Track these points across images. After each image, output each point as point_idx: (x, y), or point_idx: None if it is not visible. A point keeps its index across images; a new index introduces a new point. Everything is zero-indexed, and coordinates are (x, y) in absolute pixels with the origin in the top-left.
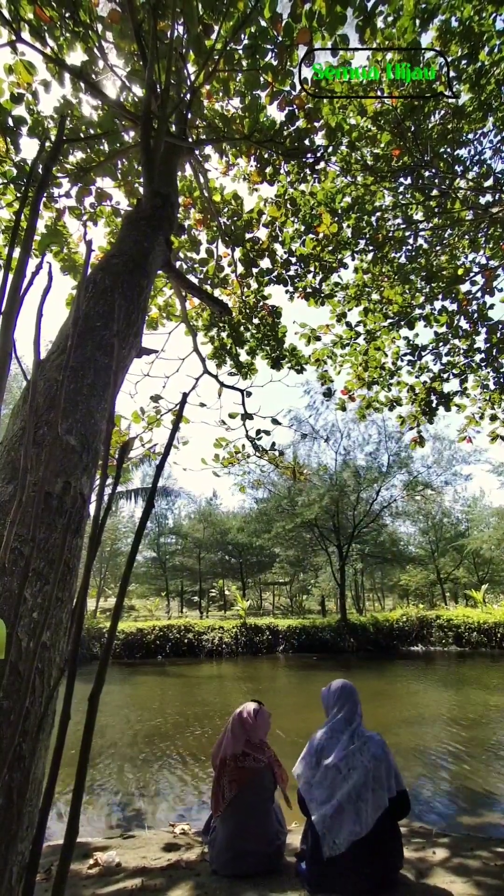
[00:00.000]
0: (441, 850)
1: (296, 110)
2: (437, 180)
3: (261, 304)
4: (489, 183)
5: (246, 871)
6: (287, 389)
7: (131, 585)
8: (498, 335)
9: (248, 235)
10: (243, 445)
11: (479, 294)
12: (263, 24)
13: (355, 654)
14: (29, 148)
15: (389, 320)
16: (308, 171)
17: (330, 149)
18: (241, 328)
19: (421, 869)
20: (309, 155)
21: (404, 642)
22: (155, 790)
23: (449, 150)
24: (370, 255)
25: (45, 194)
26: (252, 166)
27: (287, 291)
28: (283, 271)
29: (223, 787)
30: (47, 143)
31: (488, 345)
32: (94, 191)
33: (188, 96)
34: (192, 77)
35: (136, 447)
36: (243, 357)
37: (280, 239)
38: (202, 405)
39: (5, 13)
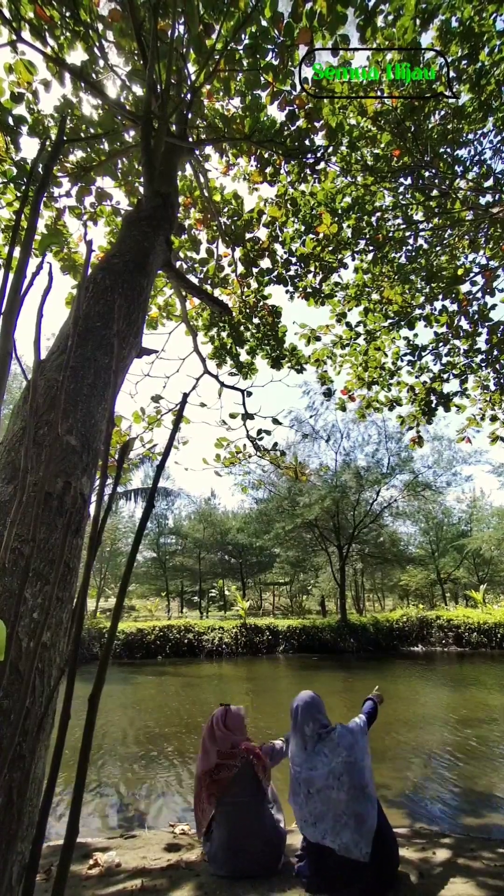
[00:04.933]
0: (442, 850)
1: (296, 110)
2: (437, 180)
3: (261, 303)
4: (489, 183)
5: (245, 868)
6: (287, 390)
7: (131, 586)
8: (498, 336)
9: (248, 235)
10: (244, 445)
11: (479, 294)
12: (264, 23)
13: (355, 655)
14: (29, 147)
15: (389, 320)
16: (308, 171)
17: (330, 149)
18: (242, 328)
19: (422, 870)
20: (309, 155)
21: (404, 642)
22: (155, 790)
23: (449, 150)
24: (370, 256)
25: (45, 194)
26: (252, 166)
27: (287, 291)
28: (284, 271)
29: (203, 802)
30: (48, 143)
31: (489, 345)
32: (95, 190)
33: (189, 96)
34: (193, 77)
35: (136, 447)
36: (243, 357)
37: (280, 239)
38: (202, 405)
39: (6, 12)
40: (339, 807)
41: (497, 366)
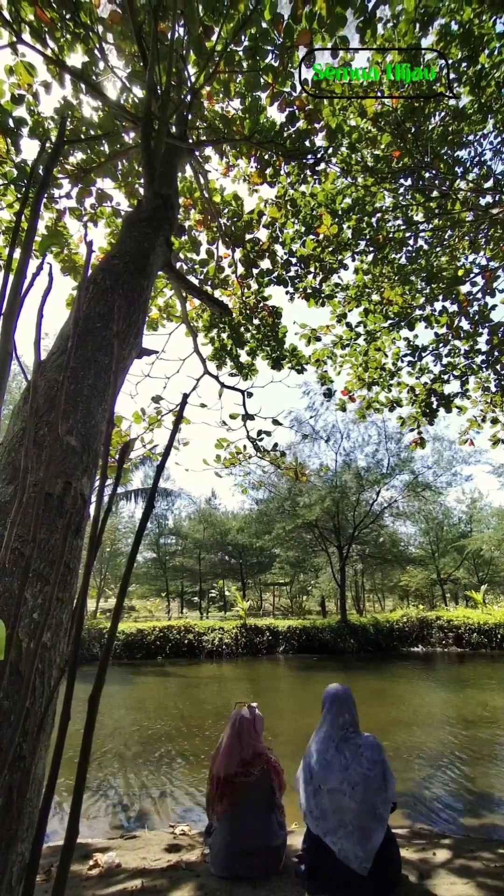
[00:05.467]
0: (442, 851)
1: (296, 111)
2: (437, 181)
3: (261, 304)
4: (489, 184)
5: (245, 871)
6: (287, 390)
7: (131, 586)
8: (499, 336)
9: (248, 236)
10: (244, 446)
11: (479, 295)
12: (264, 25)
13: (355, 655)
14: (30, 149)
15: (390, 321)
16: (308, 172)
17: (330, 150)
18: (242, 329)
19: (422, 870)
20: (309, 156)
21: (405, 643)
22: (155, 791)
23: (449, 151)
24: (370, 256)
25: (45, 195)
26: (252, 167)
27: (287, 292)
28: (284, 272)
29: (216, 801)
30: (48, 145)
31: (489, 346)
32: (95, 192)
33: (189, 97)
34: (193, 78)
35: (136, 448)
36: (244, 358)
37: (280, 240)
38: (203, 406)
39: (6, 14)
40: (347, 815)
41: (498, 367)
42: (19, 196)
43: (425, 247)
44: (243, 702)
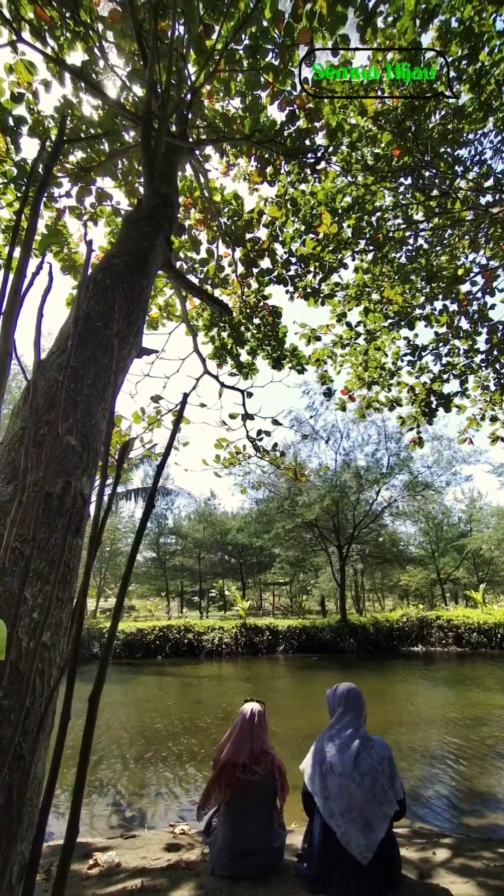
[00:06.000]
0: (442, 850)
1: (296, 110)
2: (437, 180)
3: (261, 304)
4: (489, 183)
5: (246, 871)
6: (287, 390)
7: (131, 585)
8: (498, 336)
9: (248, 235)
10: (244, 446)
11: (479, 294)
12: (264, 23)
13: (355, 655)
14: (29, 147)
15: (389, 320)
16: (308, 171)
17: (330, 149)
18: (242, 328)
19: (423, 869)
20: (309, 155)
21: (404, 643)
22: (155, 790)
23: (449, 150)
24: (370, 255)
25: (45, 194)
26: (252, 166)
27: (287, 291)
28: (284, 271)
29: (216, 789)
30: (48, 143)
31: (489, 345)
32: (95, 191)
33: (189, 96)
34: (193, 77)
35: (136, 447)
36: (244, 357)
37: (280, 239)
38: (203, 405)
39: (6, 13)
40: (353, 801)
41: (497, 366)
42: (19, 195)
43: (425, 246)
44: (252, 698)
